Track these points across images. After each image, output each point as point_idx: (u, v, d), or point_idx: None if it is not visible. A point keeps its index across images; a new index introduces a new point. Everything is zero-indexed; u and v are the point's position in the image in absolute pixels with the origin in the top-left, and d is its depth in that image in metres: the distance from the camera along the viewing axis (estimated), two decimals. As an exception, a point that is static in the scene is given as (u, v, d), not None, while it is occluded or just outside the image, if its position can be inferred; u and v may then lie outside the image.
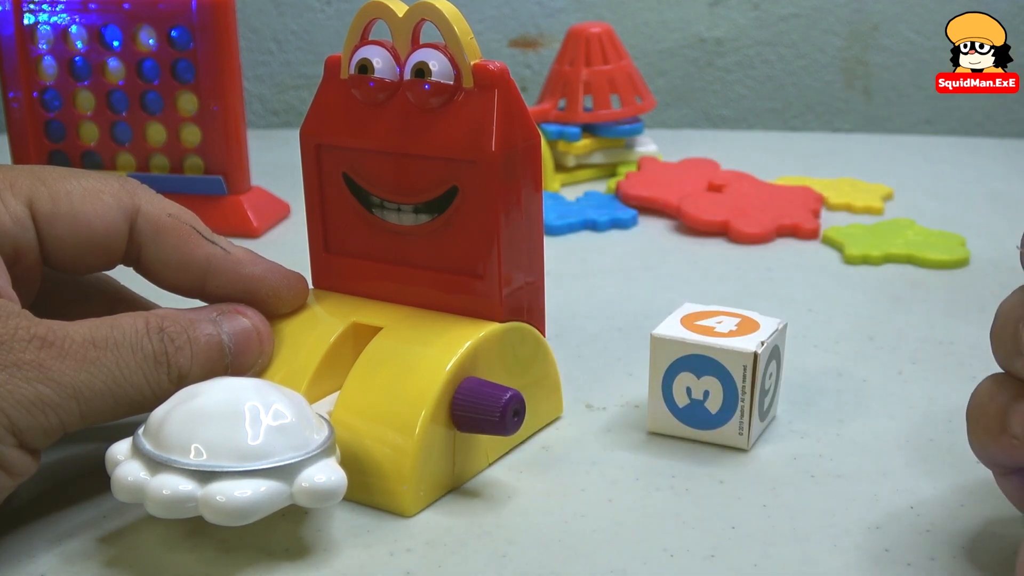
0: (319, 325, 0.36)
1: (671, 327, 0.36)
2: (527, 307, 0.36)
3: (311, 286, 0.38)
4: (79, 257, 0.34)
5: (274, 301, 0.36)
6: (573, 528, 0.32)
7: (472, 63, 0.34)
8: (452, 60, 0.34)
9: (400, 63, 0.35)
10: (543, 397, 0.38)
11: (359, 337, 0.36)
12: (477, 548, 0.31)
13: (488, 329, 0.34)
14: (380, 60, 0.35)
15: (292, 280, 0.36)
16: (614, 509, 0.33)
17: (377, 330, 0.35)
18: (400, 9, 0.35)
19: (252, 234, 0.59)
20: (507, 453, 0.36)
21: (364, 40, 0.36)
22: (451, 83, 0.34)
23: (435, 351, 0.33)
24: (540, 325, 0.37)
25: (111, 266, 0.35)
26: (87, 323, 0.31)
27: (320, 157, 0.37)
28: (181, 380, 0.32)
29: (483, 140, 0.34)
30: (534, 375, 0.37)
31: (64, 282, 0.37)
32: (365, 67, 0.35)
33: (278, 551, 0.30)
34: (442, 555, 0.30)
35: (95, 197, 0.34)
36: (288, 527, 0.31)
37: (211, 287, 0.35)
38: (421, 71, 0.34)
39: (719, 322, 0.37)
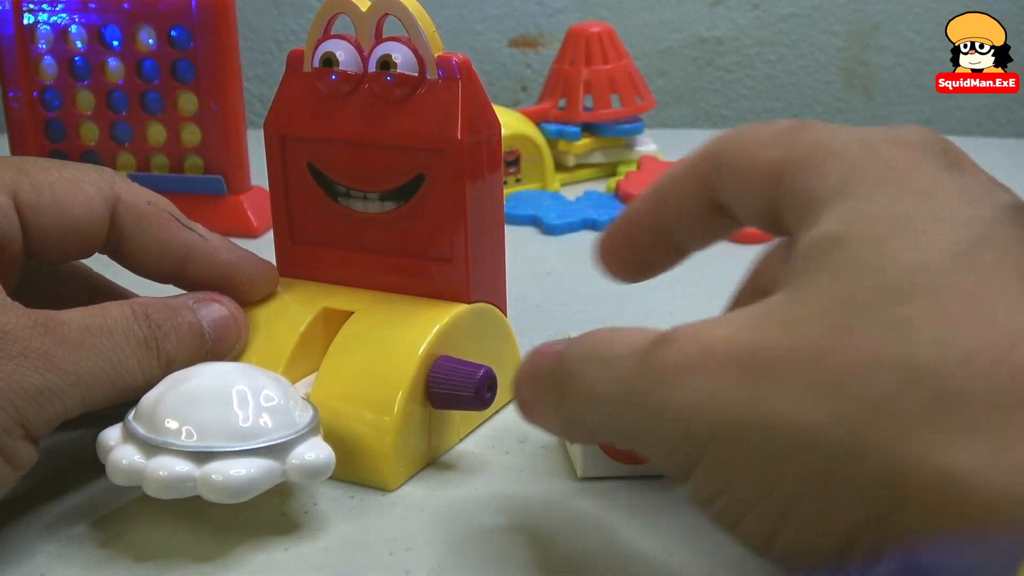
0: (291, 312, 0.37)
1: None
2: (491, 289, 0.37)
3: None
4: (61, 246, 0.34)
5: (248, 288, 0.36)
6: (573, 528, 0.32)
7: (436, 55, 0.35)
8: (416, 52, 0.35)
9: (364, 56, 0.36)
10: (507, 375, 0.38)
11: (330, 322, 0.36)
12: (477, 548, 0.31)
13: (457, 310, 0.35)
14: (344, 53, 0.36)
15: (264, 268, 0.37)
16: (614, 509, 0.33)
17: (347, 315, 0.36)
18: (363, 4, 0.36)
19: (252, 234, 0.59)
20: (475, 429, 0.37)
21: (327, 35, 0.36)
22: (415, 75, 0.35)
23: (408, 333, 0.34)
24: (502, 306, 0.38)
25: (89, 254, 0.36)
26: (77, 311, 0.31)
27: (285, 148, 0.38)
28: (169, 366, 0.32)
29: (450, 129, 0.35)
30: (498, 354, 0.38)
31: (39, 272, 0.37)
32: (329, 60, 0.36)
33: (276, 550, 0.30)
34: (442, 554, 0.30)
35: (77, 187, 0.34)
36: (287, 528, 0.32)
37: (189, 273, 0.36)
38: (386, 63, 0.35)
39: None
